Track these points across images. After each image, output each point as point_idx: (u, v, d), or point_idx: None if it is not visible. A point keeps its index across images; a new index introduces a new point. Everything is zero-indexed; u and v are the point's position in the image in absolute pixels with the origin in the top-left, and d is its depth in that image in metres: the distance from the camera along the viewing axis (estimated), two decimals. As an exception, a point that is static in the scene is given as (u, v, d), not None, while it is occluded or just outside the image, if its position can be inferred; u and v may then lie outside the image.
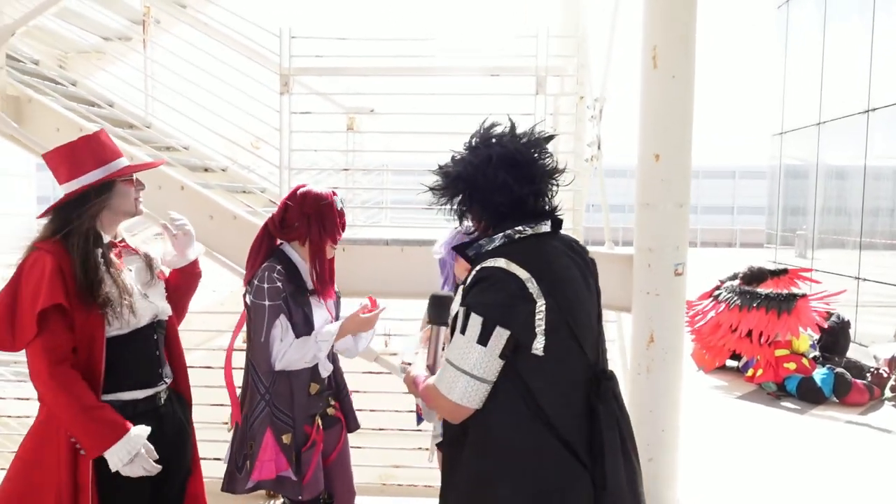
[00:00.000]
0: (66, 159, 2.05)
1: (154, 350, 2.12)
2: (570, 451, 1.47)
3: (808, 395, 5.99)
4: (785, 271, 7.13)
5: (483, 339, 1.43)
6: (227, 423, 3.51)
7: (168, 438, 2.12)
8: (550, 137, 1.68)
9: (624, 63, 3.81)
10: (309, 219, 2.25)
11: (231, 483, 2.27)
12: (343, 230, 2.34)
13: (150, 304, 2.11)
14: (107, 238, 2.07)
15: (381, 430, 3.51)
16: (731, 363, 6.87)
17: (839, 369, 6.12)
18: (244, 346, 2.32)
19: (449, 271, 2.44)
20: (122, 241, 2.17)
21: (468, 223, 1.68)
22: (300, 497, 2.24)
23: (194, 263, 2.34)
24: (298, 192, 2.29)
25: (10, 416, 3.96)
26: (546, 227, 1.60)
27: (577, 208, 4.11)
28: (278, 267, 2.23)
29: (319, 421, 2.31)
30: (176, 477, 2.20)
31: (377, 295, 2.54)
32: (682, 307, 3.35)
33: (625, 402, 1.62)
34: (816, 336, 6.55)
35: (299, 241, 2.29)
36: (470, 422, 1.50)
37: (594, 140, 3.80)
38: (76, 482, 1.94)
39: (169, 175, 3.50)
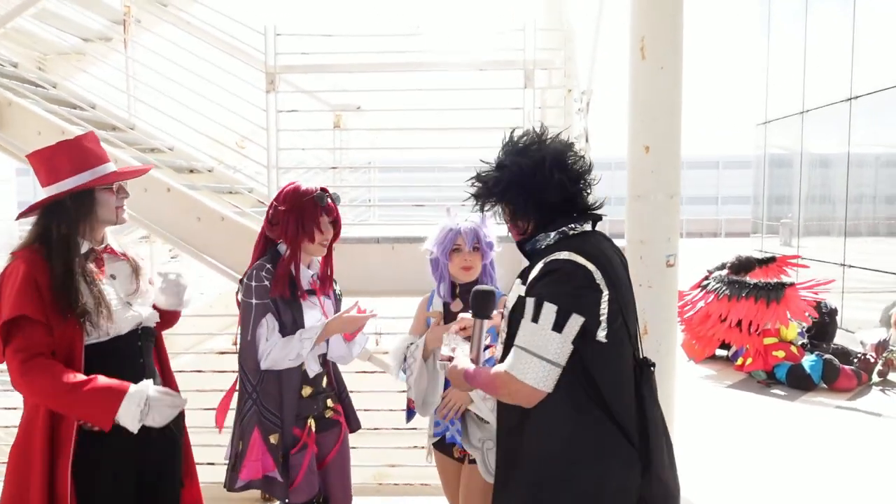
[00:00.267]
0: (43, 164, 2.00)
1: (138, 358, 2.06)
2: (624, 434, 1.60)
3: (798, 382, 6.04)
4: (773, 259, 7.18)
5: (558, 326, 1.53)
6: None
7: (157, 449, 2.08)
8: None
9: (611, 55, 3.81)
10: (287, 216, 2.21)
11: (229, 480, 2.26)
12: (337, 227, 2.30)
13: (134, 313, 2.05)
14: (87, 245, 2.02)
15: (375, 429, 3.49)
16: (720, 352, 6.92)
17: (827, 356, 6.19)
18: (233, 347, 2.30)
19: (443, 270, 2.42)
20: (107, 246, 2.09)
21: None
22: (288, 500, 2.22)
23: (175, 313, 2.29)
24: (285, 188, 2.27)
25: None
26: (588, 224, 1.74)
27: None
28: (268, 266, 2.21)
29: (312, 423, 2.28)
30: (168, 488, 2.15)
31: (369, 294, 2.52)
32: (675, 298, 3.37)
33: None
34: (806, 325, 6.61)
35: (284, 239, 2.25)
36: (532, 408, 1.59)
37: (582, 133, 3.80)
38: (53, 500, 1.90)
39: (154, 177, 3.45)
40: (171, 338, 5.38)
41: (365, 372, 3.53)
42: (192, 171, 4.51)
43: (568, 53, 3.76)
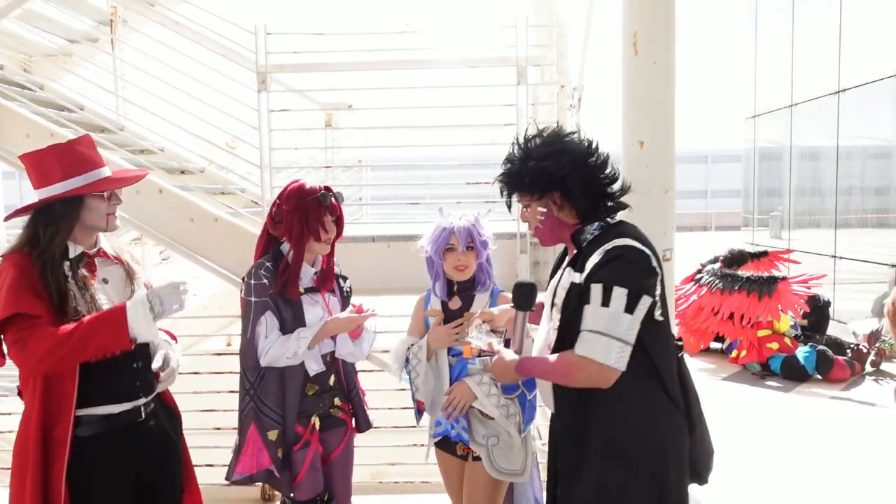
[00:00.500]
0: (34, 167, 1.98)
1: (132, 362, 2.03)
2: (675, 405, 1.75)
3: (792, 373, 6.08)
4: (765, 254, 7.21)
5: (630, 308, 1.63)
6: (218, 428, 3.47)
7: (154, 455, 2.06)
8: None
9: (603, 51, 3.81)
10: (292, 215, 2.21)
11: (228, 472, 2.27)
12: (340, 225, 2.30)
13: None
14: (79, 249, 1.99)
15: (374, 428, 3.47)
16: (715, 345, 6.95)
17: (821, 347, 6.23)
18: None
19: (438, 269, 2.41)
20: (100, 250, 2.07)
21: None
22: (292, 495, 2.24)
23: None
24: (289, 187, 2.26)
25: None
26: (619, 215, 1.84)
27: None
28: (267, 264, 2.22)
29: (316, 421, 2.28)
30: (168, 495, 2.13)
31: (364, 293, 2.50)
32: (672, 293, 3.37)
33: None
34: (797, 318, 6.65)
35: (287, 238, 2.25)
36: (596, 389, 1.68)
37: (574, 129, 3.79)
38: None
39: (146, 179, 3.40)
40: (164, 340, 5.31)
41: (363, 371, 3.51)
42: (183, 172, 4.48)
43: (560, 49, 3.75)
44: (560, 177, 1.75)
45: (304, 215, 2.19)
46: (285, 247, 2.26)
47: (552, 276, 1.97)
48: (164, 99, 3.88)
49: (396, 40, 3.78)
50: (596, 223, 1.77)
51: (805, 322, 6.76)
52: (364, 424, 2.47)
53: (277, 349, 2.16)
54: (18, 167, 2.84)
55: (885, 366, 6.38)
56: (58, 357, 1.81)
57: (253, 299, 2.18)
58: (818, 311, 6.83)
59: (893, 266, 7.55)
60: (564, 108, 3.86)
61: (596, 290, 1.65)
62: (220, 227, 3.50)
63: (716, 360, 6.81)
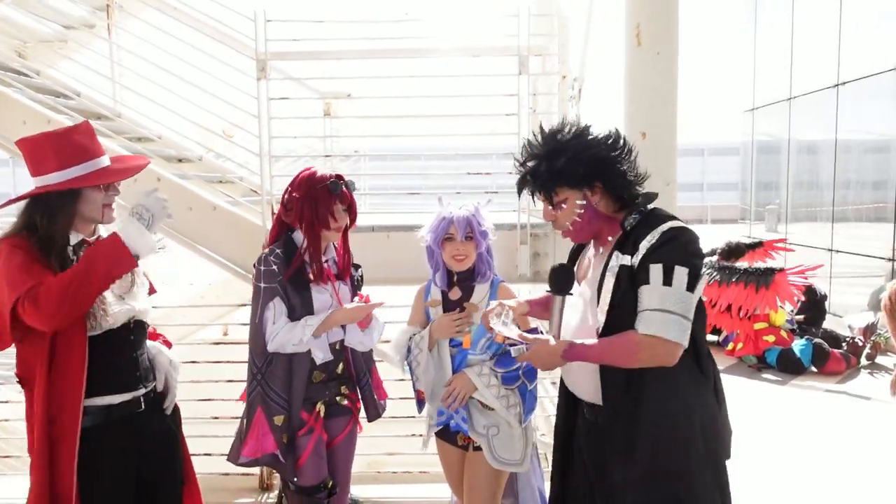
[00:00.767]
0: (28, 154, 1.95)
1: (131, 352, 2.03)
2: (707, 378, 1.80)
3: (788, 366, 6.11)
4: (760, 244, 7.23)
5: (691, 287, 1.68)
6: (216, 417, 3.47)
7: (153, 446, 2.06)
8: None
9: (605, 41, 3.78)
10: (302, 203, 2.20)
11: (231, 454, 2.29)
12: (353, 214, 2.30)
13: (126, 306, 2.01)
14: (79, 237, 1.97)
15: (368, 421, 3.47)
16: (711, 338, 6.97)
17: (817, 340, 6.26)
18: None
19: (437, 259, 2.40)
20: (98, 237, 2.04)
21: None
22: (295, 480, 2.25)
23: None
24: (300, 174, 2.26)
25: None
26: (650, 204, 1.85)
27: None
28: (277, 251, 2.23)
29: (321, 408, 2.29)
30: (169, 485, 2.13)
31: (364, 283, 2.49)
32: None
33: None
34: (794, 309, 6.67)
35: (298, 226, 2.24)
36: (644, 370, 1.72)
37: (575, 120, 3.77)
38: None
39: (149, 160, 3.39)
40: (161, 329, 5.33)
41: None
42: (180, 161, 4.44)
43: (562, 40, 3.72)
44: (602, 167, 1.77)
45: (314, 203, 2.19)
46: (297, 235, 2.27)
47: (572, 263, 2.00)
48: (161, 86, 3.84)
49: (396, 28, 3.74)
50: (635, 213, 1.79)
51: (801, 318, 6.78)
52: (372, 413, 2.47)
53: (284, 335, 2.17)
54: (16, 153, 2.80)
55: (879, 359, 6.42)
56: (72, 295, 1.77)
57: (262, 285, 2.20)
58: (815, 305, 6.85)
59: (890, 260, 7.57)
60: (565, 98, 3.84)
61: (656, 270, 1.68)
62: (219, 216, 3.48)
63: (712, 352, 6.80)
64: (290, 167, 5.26)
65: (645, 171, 1.86)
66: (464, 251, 2.32)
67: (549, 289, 1.87)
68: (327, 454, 2.33)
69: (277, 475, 3.16)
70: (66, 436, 1.87)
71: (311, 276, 2.23)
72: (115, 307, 1.97)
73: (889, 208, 7.76)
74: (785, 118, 10.30)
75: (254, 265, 2.27)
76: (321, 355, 2.25)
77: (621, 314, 1.72)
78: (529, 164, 1.84)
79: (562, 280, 1.85)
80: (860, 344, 6.41)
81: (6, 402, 3.72)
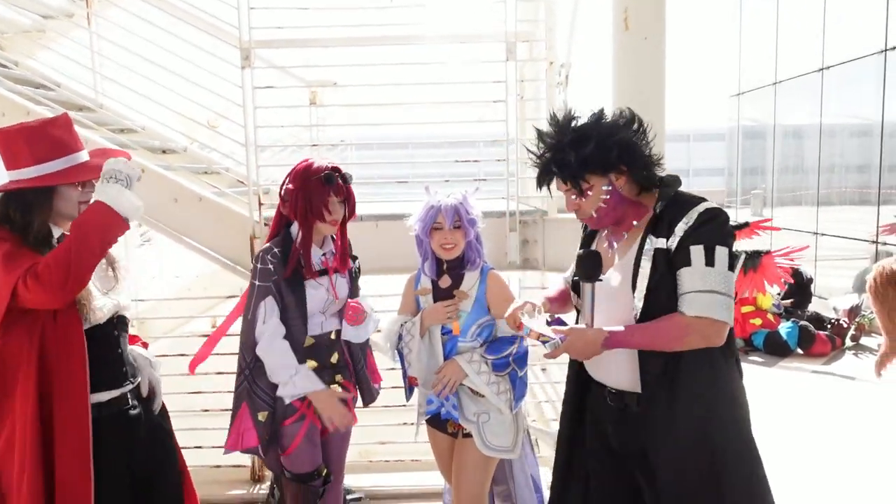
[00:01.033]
0: (2, 148, 1.89)
1: (116, 348, 2.00)
2: (732, 353, 1.81)
3: (775, 348, 6.18)
4: (746, 224, 7.27)
5: (732, 266, 1.70)
6: (206, 410, 3.45)
7: (143, 442, 2.03)
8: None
9: (593, 27, 3.76)
10: (296, 195, 2.18)
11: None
12: (350, 206, 2.28)
13: (111, 301, 1.98)
14: (58, 231, 1.94)
15: (363, 407, 3.47)
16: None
17: (803, 322, 6.33)
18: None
19: (426, 248, 2.39)
20: None
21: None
22: (288, 471, 2.26)
23: None
24: (297, 166, 2.25)
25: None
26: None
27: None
28: (275, 250, 2.23)
29: None
30: (165, 481, 2.11)
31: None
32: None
33: None
34: (781, 293, 6.73)
35: (294, 217, 2.23)
36: (683, 354, 1.73)
37: (562, 106, 3.76)
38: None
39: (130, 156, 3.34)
40: (148, 322, 5.29)
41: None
42: (165, 152, 4.39)
43: (549, 25, 3.70)
44: (629, 150, 1.76)
45: (308, 195, 2.18)
46: (294, 228, 2.26)
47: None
48: (144, 76, 3.78)
49: (382, 15, 3.70)
50: (662, 192, 1.79)
51: (789, 302, 6.85)
52: (367, 397, 2.49)
53: (276, 360, 2.18)
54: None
55: (864, 340, 6.50)
56: (75, 264, 1.73)
57: (257, 283, 2.20)
58: (801, 289, 6.92)
59: (874, 242, 7.66)
60: (553, 85, 3.82)
61: (697, 251, 1.68)
62: (205, 207, 3.44)
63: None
64: (276, 157, 5.21)
65: (660, 151, 1.85)
66: (452, 240, 2.31)
67: (576, 276, 1.82)
68: (322, 442, 2.33)
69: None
70: (69, 435, 1.82)
71: (304, 272, 2.22)
72: (100, 301, 1.94)
73: (873, 191, 7.83)
74: (770, 103, 10.35)
75: (252, 261, 2.28)
76: (294, 393, 2.23)
77: (658, 298, 1.72)
78: (551, 154, 1.79)
79: (591, 267, 1.79)
80: (845, 325, 6.49)
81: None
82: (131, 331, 2.18)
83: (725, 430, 1.77)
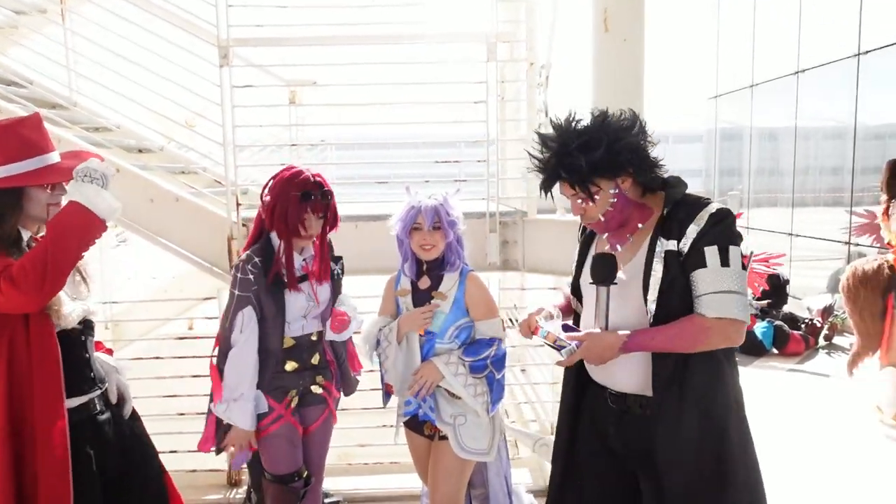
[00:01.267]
0: None
1: (83, 353, 1.96)
2: (732, 353, 1.85)
3: (751, 348, 6.26)
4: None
5: (743, 266, 1.71)
6: (182, 414, 3.41)
7: (113, 447, 2.00)
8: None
9: (573, 28, 3.77)
10: (272, 208, 2.16)
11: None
12: (329, 219, 2.26)
13: (80, 305, 1.95)
14: (27, 235, 1.90)
15: (342, 410, 3.45)
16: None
17: (777, 322, 6.42)
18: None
19: (406, 249, 2.38)
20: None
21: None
22: (267, 472, 2.27)
23: None
24: (278, 175, 2.22)
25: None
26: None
27: (529, 176, 4.09)
28: (255, 259, 2.20)
29: (293, 397, 2.29)
30: (143, 481, 2.08)
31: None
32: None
33: None
34: (756, 296, 6.81)
35: (271, 228, 2.22)
36: (691, 356, 1.74)
37: (542, 108, 3.77)
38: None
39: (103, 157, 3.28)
40: (123, 324, 5.19)
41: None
42: (141, 151, 4.32)
43: (530, 26, 3.71)
44: (636, 153, 1.76)
45: (285, 210, 2.15)
46: (275, 234, 2.24)
47: (584, 255, 1.98)
48: (119, 73, 3.71)
49: (363, 14, 3.68)
50: (668, 194, 1.80)
51: (765, 303, 6.94)
52: (347, 388, 2.49)
53: (234, 376, 2.16)
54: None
55: (836, 339, 6.62)
56: (52, 265, 1.71)
57: (237, 293, 2.18)
58: (777, 291, 7.01)
59: (847, 243, 7.79)
60: (533, 85, 3.83)
61: (711, 252, 1.69)
62: (182, 208, 3.39)
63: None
64: (254, 157, 5.15)
65: (661, 153, 1.85)
66: (431, 241, 2.31)
67: (591, 280, 1.81)
68: (302, 444, 2.32)
69: (245, 471, 3.13)
70: (48, 440, 1.79)
71: (286, 282, 2.20)
72: (69, 306, 1.90)
73: (846, 194, 7.97)
74: (747, 105, 10.48)
75: (235, 267, 2.25)
76: (224, 415, 2.21)
77: (670, 299, 1.73)
78: (558, 159, 1.76)
79: (605, 270, 1.77)
80: (818, 325, 6.60)
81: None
82: (105, 334, 2.14)
83: (730, 430, 1.79)
